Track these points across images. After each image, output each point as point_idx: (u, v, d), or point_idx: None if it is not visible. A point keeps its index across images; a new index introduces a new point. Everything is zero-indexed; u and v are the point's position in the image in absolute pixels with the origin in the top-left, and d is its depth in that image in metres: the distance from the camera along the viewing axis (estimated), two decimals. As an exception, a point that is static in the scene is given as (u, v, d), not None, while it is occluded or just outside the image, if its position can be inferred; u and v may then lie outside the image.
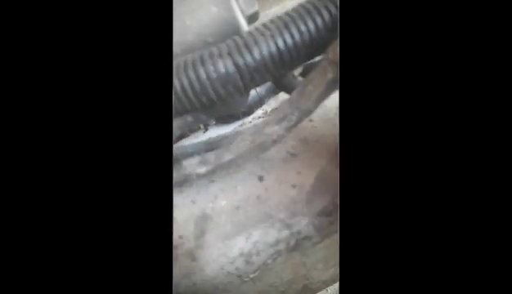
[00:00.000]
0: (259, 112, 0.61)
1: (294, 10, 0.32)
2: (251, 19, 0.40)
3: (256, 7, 0.39)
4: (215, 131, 0.59)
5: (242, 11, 0.38)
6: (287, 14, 0.32)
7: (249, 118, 0.60)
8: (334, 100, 0.34)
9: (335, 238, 0.38)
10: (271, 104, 0.60)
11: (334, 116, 0.42)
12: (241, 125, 0.59)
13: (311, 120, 0.43)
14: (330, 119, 0.42)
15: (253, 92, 0.56)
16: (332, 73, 0.31)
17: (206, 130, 0.60)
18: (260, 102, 0.59)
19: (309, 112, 0.33)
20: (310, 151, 0.40)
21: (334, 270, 0.43)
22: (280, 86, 0.41)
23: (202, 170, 0.36)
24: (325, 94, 0.33)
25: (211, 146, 0.42)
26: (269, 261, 0.35)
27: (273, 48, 0.31)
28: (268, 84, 0.54)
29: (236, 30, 0.36)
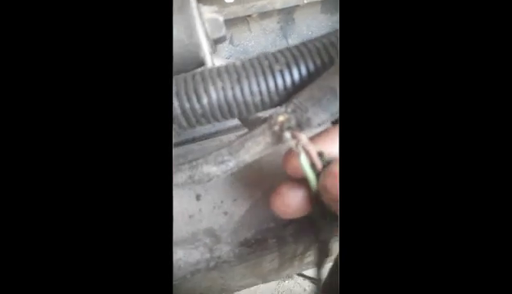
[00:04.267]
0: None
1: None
2: (218, 42, 0.39)
3: (223, 32, 0.38)
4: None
5: (208, 35, 0.37)
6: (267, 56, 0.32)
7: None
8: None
9: (253, 261, 0.42)
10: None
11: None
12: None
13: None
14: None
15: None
16: (271, 137, 0.32)
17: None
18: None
19: (245, 163, 0.34)
20: (248, 180, 0.42)
21: (252, 279, 0.48)
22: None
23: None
24: (263, 151, 0.34)
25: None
26: (188, 276, 0.40)
27: (222, 98, 0.32)
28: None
29: (197, 58, 0.35)
